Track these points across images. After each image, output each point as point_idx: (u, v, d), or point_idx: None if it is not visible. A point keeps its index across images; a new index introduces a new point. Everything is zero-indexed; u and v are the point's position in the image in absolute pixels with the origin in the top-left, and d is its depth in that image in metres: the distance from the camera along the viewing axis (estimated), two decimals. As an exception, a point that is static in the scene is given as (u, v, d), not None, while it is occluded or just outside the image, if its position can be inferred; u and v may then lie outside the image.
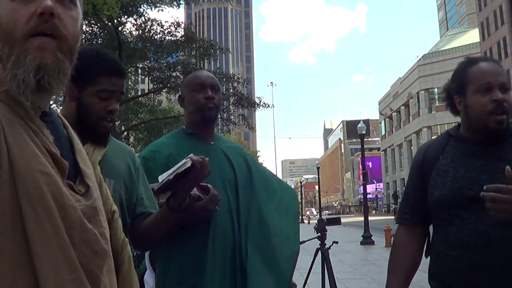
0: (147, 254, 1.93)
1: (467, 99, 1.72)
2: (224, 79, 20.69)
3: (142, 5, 18.56)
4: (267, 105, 22.31)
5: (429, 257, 1.81)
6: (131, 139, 25.26)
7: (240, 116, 23.73)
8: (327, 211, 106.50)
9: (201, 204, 1.71)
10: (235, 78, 21.05)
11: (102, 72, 1.52)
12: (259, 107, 22.20)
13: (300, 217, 55.26)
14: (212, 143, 2.01)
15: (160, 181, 1.60)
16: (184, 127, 2.05)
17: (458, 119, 1.83)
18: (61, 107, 1.61)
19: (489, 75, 1.69)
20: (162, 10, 18.98)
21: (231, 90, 21.60)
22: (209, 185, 1.75)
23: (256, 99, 22.71)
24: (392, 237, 2.05)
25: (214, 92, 1.99)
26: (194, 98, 1.97)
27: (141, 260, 2.18)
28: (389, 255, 1.87)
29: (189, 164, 1.57)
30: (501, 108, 1.65)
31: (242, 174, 2.00)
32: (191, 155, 1.60)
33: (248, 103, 22.20)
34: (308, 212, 60.65)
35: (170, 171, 1.60)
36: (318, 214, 48.71)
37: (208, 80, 2.00)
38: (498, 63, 1.79)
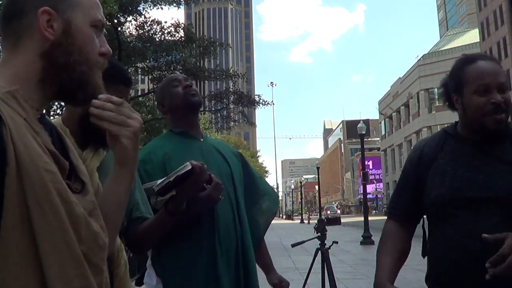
0: (149, 254, 1.93)
1: (464, 98, 1.69)
2: (223, 76, 20.66)
3: (141, 4, 18.48)
4: (266, 103, 22.28)
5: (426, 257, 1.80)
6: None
7: (240, 114, 23.66)
8: (328, 211, 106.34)
9: (206, 194, 1.73)
10: (234, 73, 20.96)
11: (110, 80, 1.52)
12: (258, 105, 22.17)
13: (300, 217, 55.35)
14: (201, 139, 2.06)
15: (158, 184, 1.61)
16: (171, 129, 2.08)
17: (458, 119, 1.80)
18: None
19: (487, 75, 1.65)
20: (161, 9, 18.89)
21: (231, 88, 21.56)
22: (211, 174, 1.76)
23: (255, 96, 22.64)
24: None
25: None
26: (175, 91, 2.03)
27: (133, 263, 2.19)
28: (378, 243, 1.86)
29: (189, 167, 1.59)
30: (499, 109, 1.62)
31: (236, 168, 2.07)
32: (191, 160, 1.63)
33: (248, 101, 22.14)
34: (329, 212, 60.26)
35: (169, 175, 1.62)
36: (318, 214, 48.67)
37: (181, 75, 2.13)
38: (496, 61, 1.74)
